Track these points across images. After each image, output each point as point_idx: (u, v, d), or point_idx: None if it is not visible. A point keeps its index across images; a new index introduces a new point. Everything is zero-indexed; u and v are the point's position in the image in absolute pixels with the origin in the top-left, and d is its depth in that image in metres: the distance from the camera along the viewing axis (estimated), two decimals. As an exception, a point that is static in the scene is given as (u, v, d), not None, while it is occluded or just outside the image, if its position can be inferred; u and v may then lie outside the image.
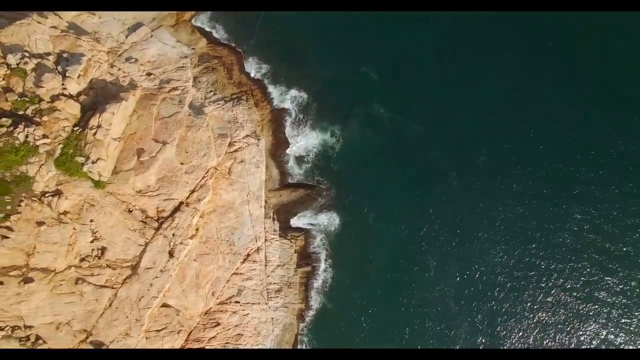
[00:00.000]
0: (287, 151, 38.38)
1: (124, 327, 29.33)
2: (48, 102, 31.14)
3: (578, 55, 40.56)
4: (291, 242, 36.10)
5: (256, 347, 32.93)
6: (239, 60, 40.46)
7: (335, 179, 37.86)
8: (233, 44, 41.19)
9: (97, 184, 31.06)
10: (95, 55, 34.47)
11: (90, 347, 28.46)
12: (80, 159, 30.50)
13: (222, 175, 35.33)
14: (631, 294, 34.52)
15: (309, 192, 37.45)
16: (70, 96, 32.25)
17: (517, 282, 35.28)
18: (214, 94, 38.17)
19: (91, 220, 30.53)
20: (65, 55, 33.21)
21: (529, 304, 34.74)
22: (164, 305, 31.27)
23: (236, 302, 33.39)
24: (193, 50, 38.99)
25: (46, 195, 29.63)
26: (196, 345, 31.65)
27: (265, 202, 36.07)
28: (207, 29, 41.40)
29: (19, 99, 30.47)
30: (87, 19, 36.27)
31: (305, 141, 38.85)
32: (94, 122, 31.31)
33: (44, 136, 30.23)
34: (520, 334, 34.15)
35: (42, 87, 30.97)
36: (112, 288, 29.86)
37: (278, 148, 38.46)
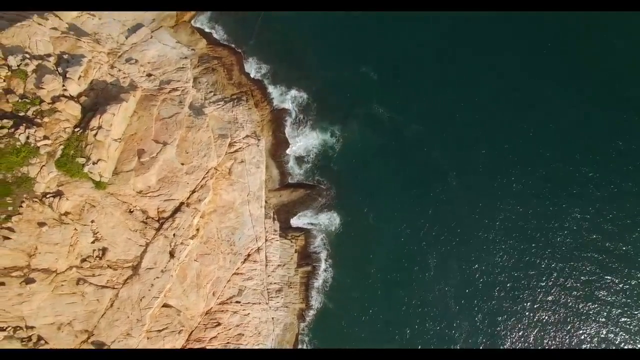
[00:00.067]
0: (287, 151, 38.45)
1: (125, 327, 29.41)
2: (49, 104, 31.20)
3: (578, 55, 40.60)
4: (291, 242, 36.18)
5: (257, 347, 33.02)
6: (239, 60, 40.53)
7: (336, 179, 37.92)
8: (233, 45, 41.29)
9: (98, 185, 31.13)
10: (96, 56, 34.52)
11: (91, 347, 28.57)
12: (81, 160, 30.55)
13: (223, 175, 35.39)
14: (631, 293, 34.56)
15: (309, 192, 37.52)
16: (71, 97, 32.32)
17: (517, 282, 35.33)
18: (214, 95, 38.24)
19: (92, 221, 30.61)
20: (65, 56, 33.26)
21: (529, 303, 34.79)
22: (165, 306, 31.36)
23: (237, 302, 33.48)
24: (193, 51, 39.05)
25: (47, 196, 29.69)
26: (197, 345, 31.75)
27: (266, 202, 36.14)
28: (207, 30, 41.52)
29: (20, 100, 30.54)
30: (87, 21, 36.32)
31: (305, 141, 38.91)
32: (94, 123, 31.36)
33: (45, 137, 30.29)
34: (521, 333, 34.20)
35: (43, 88, 31.04)
36: (113, 288, 29.94)
37: (278, 148, 38.52)
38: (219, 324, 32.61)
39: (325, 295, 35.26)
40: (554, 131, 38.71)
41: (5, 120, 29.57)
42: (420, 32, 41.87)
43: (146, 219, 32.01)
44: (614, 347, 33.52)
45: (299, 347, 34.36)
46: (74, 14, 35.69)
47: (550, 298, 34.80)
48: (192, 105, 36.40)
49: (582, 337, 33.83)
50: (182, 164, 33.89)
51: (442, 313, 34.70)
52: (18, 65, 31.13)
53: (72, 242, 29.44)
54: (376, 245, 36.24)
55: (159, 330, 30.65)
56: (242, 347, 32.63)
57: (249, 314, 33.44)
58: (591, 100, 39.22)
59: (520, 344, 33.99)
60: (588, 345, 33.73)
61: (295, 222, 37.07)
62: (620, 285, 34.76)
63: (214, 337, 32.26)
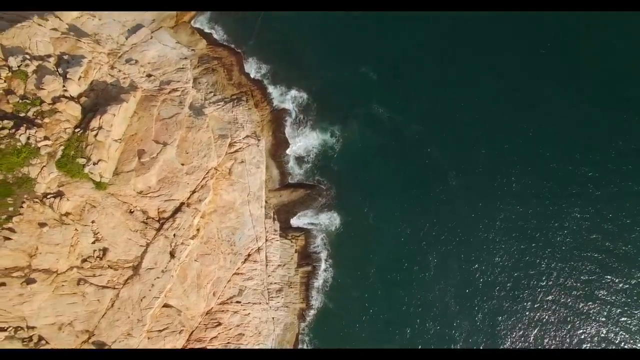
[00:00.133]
0: (287, 151, 38.49)
1: (125, 327, 29.46)
2: (49, 104, 31.23)
3: (578, 55, 40.58)
4: (292, 242, 36.23)
5: (257, 347, 33.09)
6: (239, 61, 40.56)
7: (336, 179, 37.95)
8: (233, 45, 41.31)
9: (99, 185, 31.17)
10: (96, 57, 34.56)
11: (92, 347, 28.64)
12: (82, 161, 30.58)
13: (223, 175, 35.43)
14: (631, 293, 34.58)
15: (309, 192, 37.56)
16: (71, 98, 32.35)
17: (517, 281, 35.36)
18: (214, 95, 38.28)
19: (93, 221, 30.64)
20: (65, 57, 33.29)
21: (529, 303, 34.82)
22: (166, 306, 31.41)
23: (237, 302, 33.53)
24: (193, 52, 39.09)
25: (48, 196, 29.72)
26: (198, 345, 31.81)
27: (266, 202, 36.18)
28: (207, 30, 41.55)
29: (20, 101, 30.56)
30: (87, 21, 36.35)
31: (305, 141, 38.95)
32: (94, 123, 31.38)
33: (46, 138, 30.32)
34: (521, 332, 34.24)
35: (43, 89, 31.06)
36: (114, 288, 29.99)
37: (278, 148, 38.56)
38: (220, 324, 32.67)
39: (326, 295, 35.32)
40: (554, 131, 38.70)
41: (5, 121, 29.61)
42: (420, 32, 41.86)
43: (146, 219, 32.05)
44: (614, 347, 33.53)
45: (300, 346, 34.41)
46: (74, 14, 35.70)
47: (550, 298, 34.83)
48: (192, 105, 36.44)
49: (582, 337, 33.86)
50: (183, 165, 33.94)
51: (442, 313, 34.74)
52: (18, 66, 31.14)
53: (72, 243, 29.48)
54: (376, 245, 36.28)
55: (160, 331, 30.71)
56: (242, 347, 32.70)
57: (249, 314, 33.50)
58: (591, 100, 39.21)
59: (520, 344, 34.02)
60: (588, 345, 33.76)
61: (295, 222, 37.12)
62: (620, 285, 34.79)
63: (215, 337, 32.32)
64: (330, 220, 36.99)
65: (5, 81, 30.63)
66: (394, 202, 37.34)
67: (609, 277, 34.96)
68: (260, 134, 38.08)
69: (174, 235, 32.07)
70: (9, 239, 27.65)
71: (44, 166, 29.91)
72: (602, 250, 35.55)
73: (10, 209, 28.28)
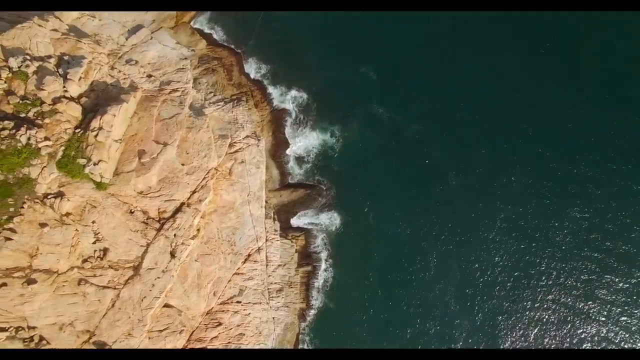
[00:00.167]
0: (287, 151, 38.53)
1: (126, 327, 29.51)
2: (49, 105, 31.26)
3: (578, 55, 40.55)
4: (292, 242, 36.28)
5: (258, 347, 33.15)
6: (239, 61, 40.59)
7: (336, 179, 37.98)
8: (232, 45, 41.34)
9: (99, 186, 31.21)
10: (96, 57, 34.59)
11: (93, 347, 28.70)
12: (82, 161, 30.62)
13: (223, 175, 35.48)
14: (631, 292, 34.60)
15: (309, 192, 37.61)
16: (72, 98, 32.38)
17: (517, 281, 35.39)
18: (214, 95, 38.33)
19: (93, 222, 30.68)
20: (66, 57, 33.33)
21: (529, 302, 34.85)
22: (166, 306, 31.46)
23: (238, 302, 33.59)
24: (193, 52, 39.12)
25: (48, 197, 29.75)
26: (198, 345, 31.87)
27: (266, 202, 36.23)
28: (207, 31, 41.58)
29: (20, 101, 30.60)
30: (88, 22, 36.40)
31: (305, 141, 38.99)
32: (95, 124, 31.42)
33: (46, 138, 30.36)
34: (521, 332, 34.27)
35: (44, 89, 31.10)
36: (115, 289, 30.04)
37: (278, 148, 38.61)
38: (220, 324, 32.73)
39: (326, 295, 35.37)
40: (554, 131, 38.69)
41: (6, 122, 29.65)
42: (420, 32, 41.86)
43: (147, 219, 32.10)
44: (614, 346, 33.57)
45: (300, 346, 34.47)
46: (74, 15, 35.74)
47: (550, 297, 34.86)
48: (192, 106, 36.48)
49: (583, 336, 33.88)
50: (183, 165, 33.98)
51: (443, 312, 34.77)
52: (19, 67, 31.17)
53: (73, 243, 29.52)
54: (376, 245, 36.31)
55: (160, 331, 30.77)
56: (243, 346, 32.76)
57: (249, 313, 33.56)
58: (591, 100, 39.19)
59: (520, 343, 34.05)
60: (588, 345, 33.79)
61: (295, 222, 37.17)
62: (620, 285, 34.82)
63: (215, 337, 32.39)
64: (330, 220, 37.04)
65: (5, 82, 30.66)
66: (394, 202, 37.36)
67: (609, 276, 34.98)
68: (260, 134, 38.13)
69: (175, 235, 32.12)
70: (10, 239, 27.71)
71: (45, 167, 29.95)
72: (602, 249, 35.58)
73: (11, 209, 28.33)
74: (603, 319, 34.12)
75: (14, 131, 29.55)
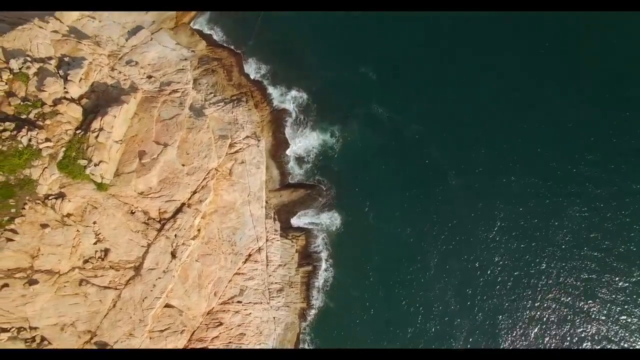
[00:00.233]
0: (287, 152, 38.59)
1: (127, 327, 29.62)
2: (50, 106, 31.32)
3: (578, 55, 40.51)
4: (292, 242, 36.37)
5: (259, 347, 33.27)
6: (239, 61, 40.61)
7: (336, 178, 38.05)
8: (232, 46, 41.35)
9: (100, 186, 31.29)
10: (96, 58, 34.65)
11: (94, 347, 28.83)
12: (83, 162, 30.69)
13: (223, 176, 35.56)
14: (631, 291, 34.67)
15: (309, 192, 37.68)
16: (72, 100, 32.43)
17: (518, 281, 35.46)
18: (214, 96, 38.38)
19: (94, 222, 30.76)
20: (66, 59, 33.38)
21: (529, 302, 34.92)
22: (167, 306, 31.56)
23: (238, 301, 33.70)
24: (193, 53, 39.15)
25: (50, 198, 29.84)
26: (199, 345, 31.99)
27: (266, 202, 36.32)
28: (207, 31, 41.58)
29: (21, 103, 30.66)
30: (88, 23, 36.44)
31: (305, 142, 39.05)
32: (95, 125, 31.48)
33: (47, 139, 30.44)
34: (521, 331, 34.35)
35: (45, 91, 31.15)
36: (116, 289, 30.14)
37: (278, 149, 38.67)
38: (221, 324, 32.85)
39: (326, 295, 35.48)
40: (554, 131, 38.70)
41: (7, 123, 29.72)
42: (420, 32, 41.86)
43: (148, 219, 32.19)
44: (614, 346, 33.65)
45: (301, 346, 34.59)
46: (75, 16, 35.78)
47: (550, 296, 34.94)
48: (192, 106, 36.53)
49: (583, 335, 33.96)
50: (183, 165, 34.06)
51: (443, 312, 34.87)
52: (20, 68, 31.23)
53: (74, 244, 29.61)
54: (376, 244, 36.40)
55: (161, 331, 30.89)
56: (243, 346, 32.88)
57: (250, 313, 33.67)
58: (591, 100, 39.19)
59: (520, 343, 34.14)
60: (588, 344, 33.87)
61: (295, 222, 37.26)
62: (620, 284, 34.88)
63: (216, 337, 32.51)
64: (330, 220, 37.12)
65: (6, 83, 30.71)
66: (394, 202, 37.43)
67: (608, 275, 35.05)
68: (261, 134, 38.18)
69: (175, 235, 32.21)
70: (12, 240, 27.80)
71: (46, 168, 30.03)
72: (602, 249, 35.63)
73: (13, 210, 28.42)
74: (603, 318, 34.18)
75: (15, 132, 29.62)
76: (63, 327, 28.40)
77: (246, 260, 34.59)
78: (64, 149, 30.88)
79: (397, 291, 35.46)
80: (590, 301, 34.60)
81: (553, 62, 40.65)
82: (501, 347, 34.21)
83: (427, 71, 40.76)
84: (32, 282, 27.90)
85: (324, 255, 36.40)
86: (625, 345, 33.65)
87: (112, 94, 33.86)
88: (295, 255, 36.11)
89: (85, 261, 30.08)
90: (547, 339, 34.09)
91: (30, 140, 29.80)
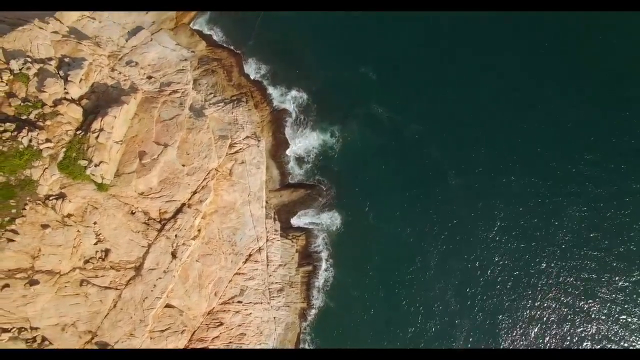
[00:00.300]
0: (287, 152, 38.64)
1: (128, 327, 29.70)
2: (51, 107, 31.35)
3: (578, 55, 40.49)
4: (292, 241, 36.43)
5: (259, 347, 33.34)
6: (239, 62, 40.62)
7: (336, 178, 38.09)
8: (232, 46, 41.34)
9: (100, 187, 31.33)
10: (96, 59, 34.67)
11: (95, 347, 28.91)
12: (83, 162, 30.73)
13: (223, 176, 35.60)
14: (631, 291, 34.72)
15: (309, 192, 37.73)
16: (73, 100, 32.46)
17: (518, 280, 35.52)
18: (214, 96, 38.41)
19: (95, 223, 30.81)
20: (66, 59, 33.41)
21: (529, 301, 34.98)
22: (168, 306, 31.63)
23: (239, 301, 33.77)
24: (193, 53, 39.16)
25: (50, 198, 29.89)
26: (200, 345, 32.06)
27: (266, 202, 36.37)
28: (206, 32, 41.58)
29: (22, 103, 30.70)
30: (88, 24, 36.46)
31: (305, 142, 39.09)
32: (96, 125, 31.52)
33: (47, 140, 30.49)
34: (522, 331, 34.41)
35: (45, 91, 31.18)
36: (116, 289, 30.21)
37: (278, 149, 38.70)
38: (221, 324, 32.92)
39: (327, 295, 35.55)
40: (554, 131, 38.72)
41: (8, 124, 29.76)
42: (420, 32, 41.86)
43: (148, 220, 32.25)
44: (614, 345, 33.70)
45: (301, 346, 34.66)
46: (74, 17, 35.79)
47: (550, 296, 35.00)
48: (192, 107, 36.56)
49: (583, 335, 34.02)
50: (183, 166, 34.10)
51: (443, 312, 34.94)
52: (20, 69, 31.26)
53: (75, 244, 29.67)
54: (376, 244, 36.46)
55: (162, 331, 30.97)
56: (244, 346, 32.96)
57: (250, 313, 33.74)
58: (591, 100, 39.19)
59: (521, 342, 34.20)
60: (589, 343, 33.93)
61: (295, 222, 37.32)
62: (620, 283, 34.92)
63: (217, 337, 32.58)
64: (330, 220, 37.19)
65: (7, 84, 30.75)
66: (394, 202, 37.48)
67: (608, 275, 35.11)
68: (261, 134, 38.22)
69: (176, 235, 32.26)
70: (12, 240, 27.86)
71: (46, 168, 30.08)
72: (602, 248, 35.68)
73: (13, 210, 28.48)
74: (603, 317, 34.23)
75: (15, 133, 29.66)
76: (64, 328, 28.48)
77: (246, 260, 34.65)
78: (64, 149, 30.92)
79: (397, 291, 35.52)
80: (590, 301, 34.65)
81: (553, 62, 40.64)
82: (501, 346, 34.26)
83: (427, 71, 40.76)
84: (33, 282, 27.97)
85: (324, 255, 36.47)
86: (626, 345, 33.67)
87: (112, 95, 33.89)
88: (295, 255, 36.17)
89: (86, 261, 30.14)
90: (547, 338, 34.16)
91: (30, 141, 29.85)
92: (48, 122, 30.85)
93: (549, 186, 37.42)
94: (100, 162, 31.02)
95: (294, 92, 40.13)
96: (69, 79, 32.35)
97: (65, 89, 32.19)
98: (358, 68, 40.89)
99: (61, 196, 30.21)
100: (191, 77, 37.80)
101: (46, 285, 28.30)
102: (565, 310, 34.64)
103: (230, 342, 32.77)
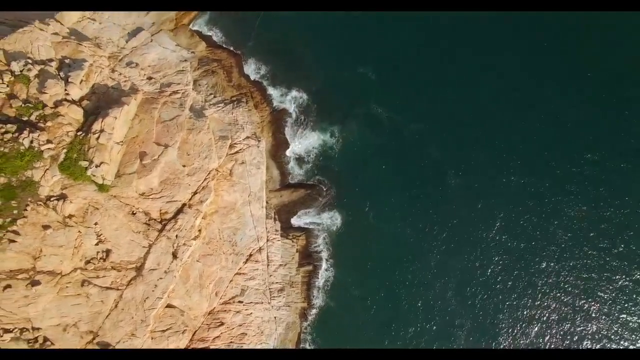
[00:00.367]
0: (288, 152, 38.70)
1: (129, 327, 29.82)
2: (51, 108, 31.40)
3: (578, 55, 40.47)
4: (292, 241, 36.52)
5: (260, 346, 33.45)
6: (238, 62, 40.61)
7: (336, 178, 38.16)
8: (232, 47, 41.28)
9: (101, 188, 31.41)
10: (97, 60, 34.70)
11: (97, 348, 29.04)
12: (84, 163, 30.80)
13: (224, 176, 35.68)
14: (631, 290, 34.80)
15: (309, 192, 37.80)
16: (73, 101, 32.49)
17: (518, 280, 35.61)
18: (214, 97, 38.46)
19: (96, 223, 30.89)
20: (67, 61, 33.46)
21: (529, 301, 35.09)
22: (169, 306, 31.73)
23: (239, 301, 33.89)
24: (192, 54, 39.17)
25: (51, 199, 29.96)
26: (201, 345, 32.19)
27: (267, 202, 36.44)
28: (206, 33, 41.53)
29: (23, 105, 30.76)
30: (88, 25, 36.49)
31: (305, 142, 39.15)
32: (96, 126, 31.56)
33: (48, 141, 30.55)
34: (522, 331, 34.51)
35: (46, 93, 31.23)
36: (118, 289, 30.32)
37: (278, 149, 38.77)
38: (222, 324, 33.05)
39: (327, 294, 35.67)
40: (554, 131, 38.74)
41: (9, 125, 29.81)
42: (420, 32, 41.83)
43: (149, 220, 32.34)
44: (614, 345, 33.78)
45: (302, 345, 34.78)
46: (75, 18, 35.81)
47: (550, 295, 35.11)
48: (192, 107, 36.60)
49: (583, 334, 34.12)
50: (184, 166, 34.17)
51: (444, 312, 35.05)
52: (21, 71, 31.30)
53: (76, 245, 29.77)
54: (377, 244, 36.56)
55: (163, 331, 31.10)
56: (245, 346, 33.08)
57: (251, 313, 33.86)
58: (591, 100, 39.19)
59: (521, 342, 34.32)
60: (589, 343, 34.02)
61: (296, 221, 37.40)
62: (620, 282, 35.00)
63: (217, 337, 32.71)
64: (331, 219, 37.28)
65: (8, 86, 30.79)
66: (395, 201, 37.55)
67: (608, 274, 35.20)
68: (261, 134, 38.27)
69: (176, 236, 32.35)
70: (14, 241, 27.96)
71: (47, 169, 30.15)
72: (602, 248, 35.76)
73: (15, 211, 28.58)
74: (603, 316, 34.33)
75: (16, 134, 29.72)
76: (65, 328, 28.61)
77: (247, 260, 34.75)
78: (65, 150, 30.97)
79: (397, 291, 35.63)
80: (590, 300, 34.75)
81: (553, 62, 40.59)
82: (502, 346, 34.35)
83: (427, 71, 40.76)
84: (35, 283, 28.09)
85: (324, 254, 36.57)
86: (626, 344, 33.75)
87: (113, 96, 33.95)
88: (295, 255, 36.27)
89: (87, 262, 30.24)
90: (547, 337, 34.27)
91: (31, 142, 29.91)
92: (49, 123, 30.92)
93: (549, 186, 37.47)
94: (101, 163, 31.09)
95: (294, 93, 40.15)
96: (69, 80, 32.40)
97: (65, 90, 32.24)
98: (358, 68, 40.89)
99: (62, 197, 30.30)
100: (191, 77, 37.81)
101: (48, 285, 28.42)
102: (565, 309, 34.76)
103: (231, 342, 32.90)
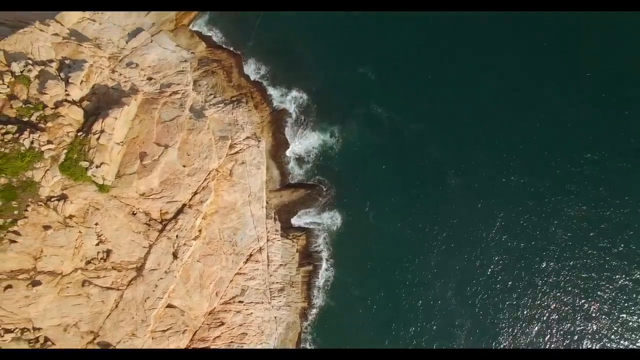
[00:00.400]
0: (288, 152, 38.73)
1: (130, 327, 29.89)
2: (52, 109, 31.44)
3: (578, 55, 40.44)
4: (293, 241, 36.58)
5: (260, 346, 33.52)
6: (238, 62, 40.60)
7: (336, 178, 38.19)
8: (232, 47, 41.25)
9: (102, 188, 31.47)
10: (97, 61, 34.73)
11: (97, 348, 29.12)
12: (85, 164, 30.85)
13: (224, 177, 35.73)
14: (631, 290, 34.83)
15: (309, 192, 37.85)
16: (74, 102, 32.52)
17: (518, 280, 35.66)
18: (214, 97, 38.49)
19: (96, 224, 30.95)
20: (67, 61, 33.49)
21: (529, 301, 35.14)
22: (169, 306, 31.80)
23: (240, 301, 33.95)
24: (192, 54, 39.18)
25: (52, 199, 30.03)
26: (201, 345, 32.27)
27: (267, 202, 36.48)
28: (206, 33, 41.49)
29: (23, 105, 30.79)
30: (88, 26, 36.52)
31: (305, 142, 39.17)
32: (97, 127, 31.60)
33: (49, 142, 30.58)
34: (522, 331, 34.56)
35: (46, 93, 31.26)
36: (118, 290, 30.40)
37: (278, 149, 38.80)
38: (223, 324, 33.12)
39: (327, 294, 35.73)
40: (554, 131, 38.74)
41: (9, 126, 29.85)
42: (420, 32, 41.82)
43: (149, 220, 32.40)
44: (614, 344, 33.82)
45: (302, 345, 34.84)
46: (75, 19, 35.83)
47: (550, 295, 35.15)
48: (192, 108, 36.64)
49: (583, 334, 34.18)
50: (184, 166, 34.22)
51: (444, 311, 35.12)
52: (21, 72, 31.33)
53: (76, 245, 29.84)
54: (377, 244, 36.61)
55: (164, 331, 31.17)
56: (245, 346, 33.15)
57: (252, 313, 33.93)
58: (591, 100, 39.19)
59: (522, 342, 34.37)
60: (589, 342, 34.06)
61: (296, 221, 37.45)
62: (620, 282, 35.04)
63: (218, 337, 32.78)
64: (331, 219, 37.32)
65: (8, 86, 30.82)
66: (395, 201, 37.58)
67: (608, 274, 35.24)
68: (261, 135, 38.31)
69: (177, 236, 32.41)
70: (15, 241, 28.02)
71: (48, 170, 30.20)
72: (602, 247, 35.80)
73: (15, 212, 28.63)
74: (603, 316, 34.38)
75: (17, 135, 29.76)
76: (66, 328, 28.69)
77: (247, 260, 34.80)
78: (65, 151, 31.01)
79: (397, 290, 35.69)
80: (591, 299, 34.78)
81: (553, 62, 40.56)
82: (502, 346, 34.40)
83: (427, 71, 40.75)
84: (35, 283, 28.15)
85: (324, 254, 36.62)
86: (626, 343, 33.78)
87: (113, 96, 33.99)
88: (296, 255, 36.33)
89: (88, 262, 30.30)
90: (547, 337, 34.31)
91: (32, 142, 29.95)
92: (49, 124, 30.96)
93: (549, 186, 37.48)
94: (102, 163, 31.13)
95: (294, 93, 40.16)
96: (69, 80, 32.44)
97: (66, 90, 32.28)
98: (358, 68, 40.89)
99: (63, 197, 30.36)
100: (191, 78, 37.83)
101: (48, 286, 28.49)
102: (565, 309, 34.80)
103: (231, 342, 32.97)
